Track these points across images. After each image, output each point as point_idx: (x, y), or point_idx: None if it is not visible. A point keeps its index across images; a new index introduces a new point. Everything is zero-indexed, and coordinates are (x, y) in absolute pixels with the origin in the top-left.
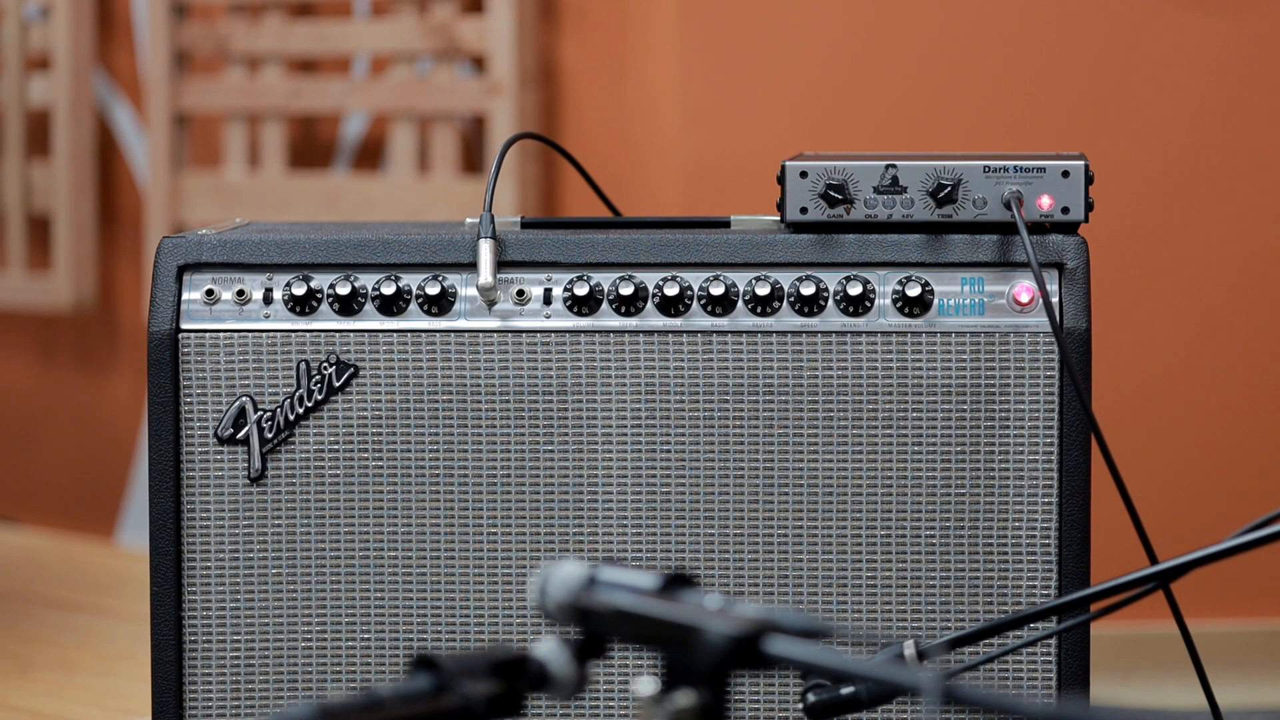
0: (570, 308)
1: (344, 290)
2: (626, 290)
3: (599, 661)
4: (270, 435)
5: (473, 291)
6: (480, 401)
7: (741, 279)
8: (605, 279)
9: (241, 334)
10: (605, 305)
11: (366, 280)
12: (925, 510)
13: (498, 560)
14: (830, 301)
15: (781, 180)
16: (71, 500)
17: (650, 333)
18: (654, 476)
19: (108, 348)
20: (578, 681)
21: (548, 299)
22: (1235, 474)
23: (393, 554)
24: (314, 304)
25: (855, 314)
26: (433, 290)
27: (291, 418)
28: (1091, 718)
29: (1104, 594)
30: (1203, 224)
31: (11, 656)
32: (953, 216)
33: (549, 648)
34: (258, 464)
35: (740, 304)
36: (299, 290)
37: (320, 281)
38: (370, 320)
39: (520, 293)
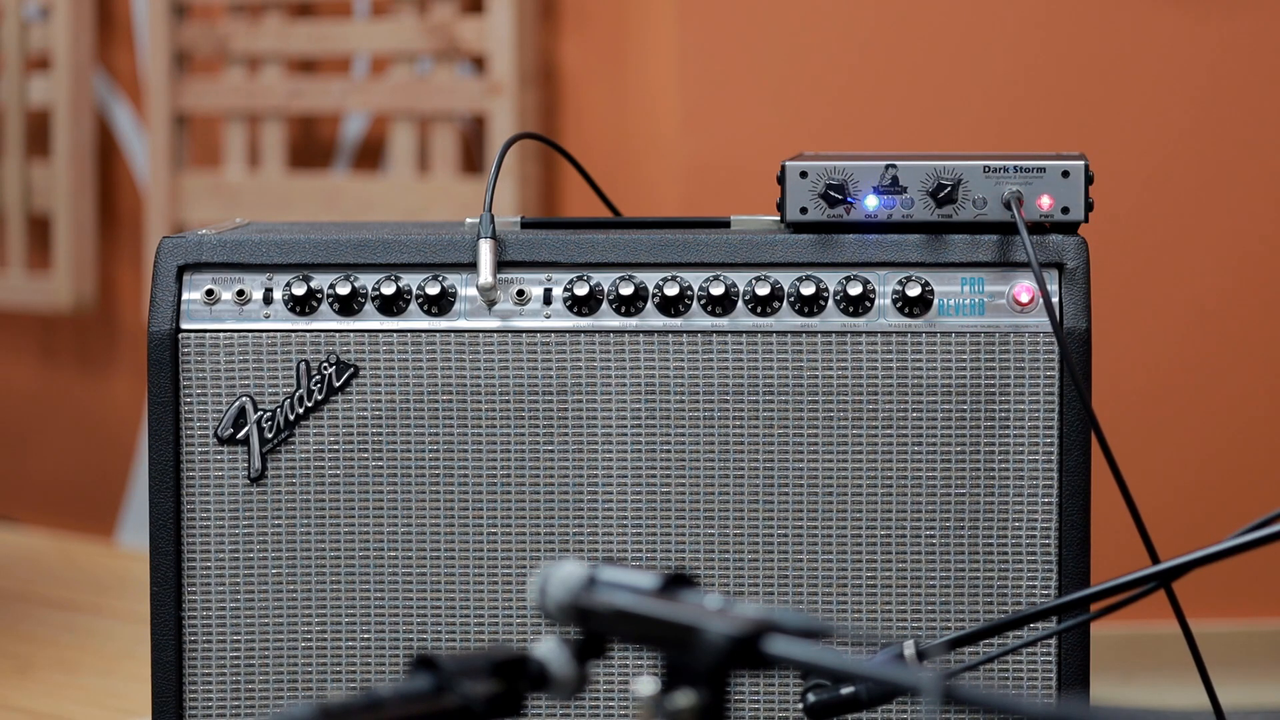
0: (570, 308)
1: (344, 290)
2: (626, 290)
3: (599, 661)
4: (270, 435)
5: (473, 291)
6: (480, 401)
7: (741, 279)
8: (605, 279)
9: (241, 334)
10: (605, 305)
11: (366, 280)
12: (925, 510)
13: (498, 560)
14: (830, 301)
15: (781, 180)
16: (71, 500)
17: (650, 333)
18: (654, 476)
19: (108, 348)
20: (578, 681)
21: (548, 299)
22: (1235, 474)
23: (393, 554)
24: (314, 304)
25: (855, 314)
26: (433, 290)
27: (291, 418)
28: (1091, 718)
29: (1104, 594)
30: (1202, 224)
31: (11, 656)
32: (953, 216)
33: (549, 648)
34: (258, 464)
35: (740, 304)
36: (299, 290)
37: (320, 281)
38: (370, 320)
39: (520, 293)
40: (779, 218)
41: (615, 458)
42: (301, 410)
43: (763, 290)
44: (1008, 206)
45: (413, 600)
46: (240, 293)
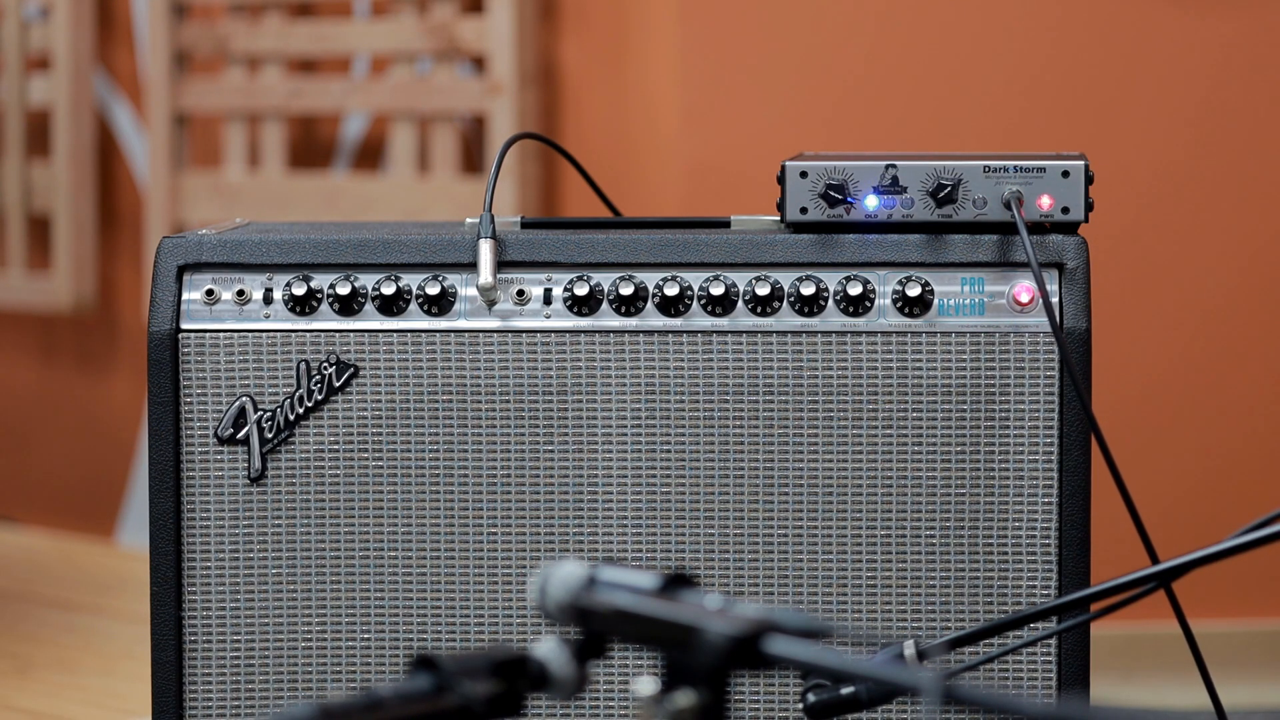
0: (570, 308)
1: (344, 290)
2: (626, 290)
3: (599, 661)
4: (270, 435)
5: (473, 291)
6: (480, 401)
7: (741, 279)
8: (605, 279)
9: (241, 334)
10: (605, 305)
11: (366, 280)
12: (925, 510)
13: (498, 560)
14: (830, 301)
15: (781, 180)
16: (71, 500)
17: (650, 333)
18: (654, 476)
19: (108, 348)
20: (578, 681)
21: (548, 299)
22: (1235, 474)
23: (393, 554)
24: (314, 304)
25: (855, 314)
26: (433, 290)
27: (291, 418)
28: (1091, 718)
29: (1104, 594)
30: (1203, 224)
31: (11, 656)
32: (953, 216)
33: (549, 648)
34: (258, 464)
35: (740, 304)
36: (299, 290)
37: (320, 281)
38: (370, 320)
39: (520, 293)
40: (779, 218)
41: (615, 458)
42: (301, 410)
43: (763, 290)
44: (1008, 206)
45: (413, 600)
46: (240, 293)
